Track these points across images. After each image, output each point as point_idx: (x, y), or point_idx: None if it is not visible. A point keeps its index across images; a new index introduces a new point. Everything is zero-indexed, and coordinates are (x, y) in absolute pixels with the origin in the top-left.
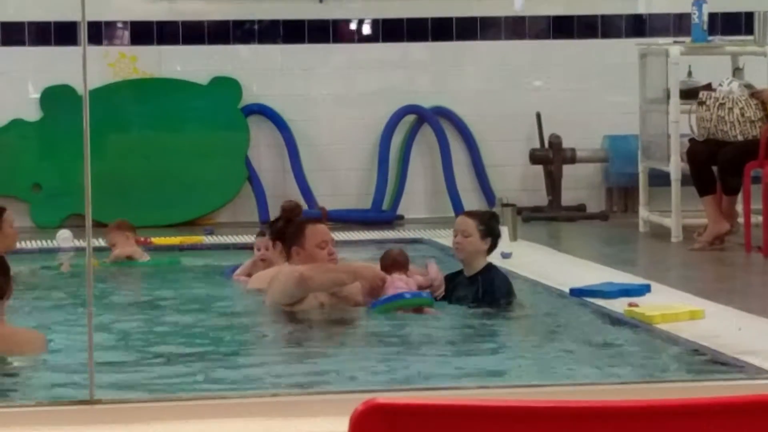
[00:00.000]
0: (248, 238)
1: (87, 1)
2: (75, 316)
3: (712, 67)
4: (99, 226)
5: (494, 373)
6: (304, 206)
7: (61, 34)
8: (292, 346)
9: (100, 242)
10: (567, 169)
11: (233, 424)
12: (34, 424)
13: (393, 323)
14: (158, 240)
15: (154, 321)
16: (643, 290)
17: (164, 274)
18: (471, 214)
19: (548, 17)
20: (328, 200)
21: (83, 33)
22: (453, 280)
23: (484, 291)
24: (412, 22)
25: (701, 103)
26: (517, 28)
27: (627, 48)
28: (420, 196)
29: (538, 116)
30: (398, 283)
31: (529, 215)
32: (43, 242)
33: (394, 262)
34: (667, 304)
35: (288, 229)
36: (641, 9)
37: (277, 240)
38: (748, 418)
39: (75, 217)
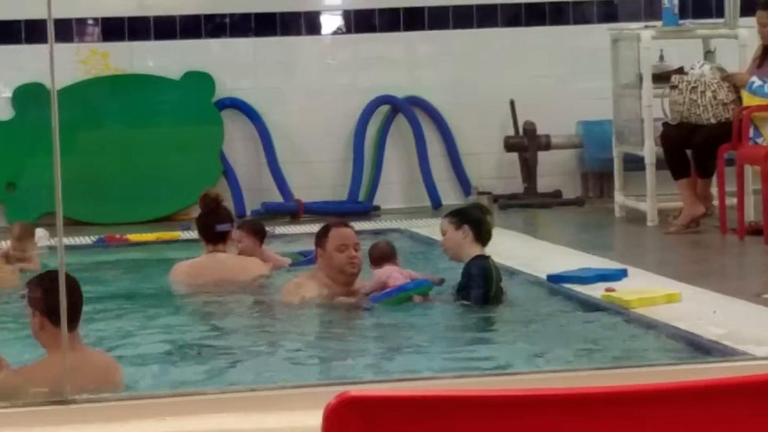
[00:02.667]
0: None
1: None
2: None
3: (683, 50)
4: (75, 224)
5: (472, 363)
6: (280, 199)
7: (33, 32)
8: (270, 340)
9: (75, 240)
10: (542, 156)
11: (210, 420)
12: (7, 425)
13: (374, 317)
14: (134, 236)
15: (125, 319)
16: (620, 275)
17: (138, 269)
18: (447, 215)
19: (520, 4)
20: (304, 192)
21: (50, 30)
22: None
23: (463, 282)
24: (384, 12)
25: (674, 87)
26: (488, 15)
27: (599, 33)
28: (396, 187)
29: (512, 103)
30: (395, 275)
31: (505, 202)
32: None
33: (383, 254)
34: (643, 288)
35: (204, 220)
36: None
37: (205, 233)
38: (726, 400)
39: (50, 215)
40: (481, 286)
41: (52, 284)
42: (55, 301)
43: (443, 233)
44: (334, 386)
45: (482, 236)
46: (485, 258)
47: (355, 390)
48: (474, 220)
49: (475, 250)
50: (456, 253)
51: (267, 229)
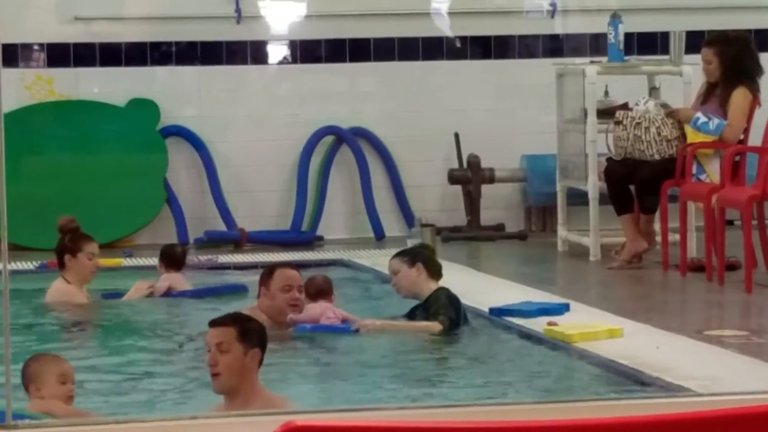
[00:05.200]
0: None
1: (2, 24)
2: None
3: (628, 86)
4: (17, 249)
5: (415, 394)
6: (223, 228)
7: None
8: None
9: (18, 265)
10: (486, 189)
11: None
12: None
13: (320, 347)
14: None
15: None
16: (562, 309)
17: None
18: (394, 255)
19: (465, 37)
20: (247, 221)
21: None
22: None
23: (433, 309)
24: (329, 43)
25: (618, 123)
26: (434, 48)
27: (544, 68)
28: (339, 217)
29: (457, 136)
30: (329, 313)
31: (448, 235)
32: None
33: (319, 290)
34: (585, 323)
35: (64, 243)
36: (558, 29)
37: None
38: None
39: None
40: (453, 312)
41: (262, 328)
42: (265, 344)
43: (395, 272)
44: (278, 416)
45: (436, 272)
46: (446, 289)
47: (300, 419)
48: (426, 258)
49: (432, 284)
50: (412, 290)
51: (209, 257)
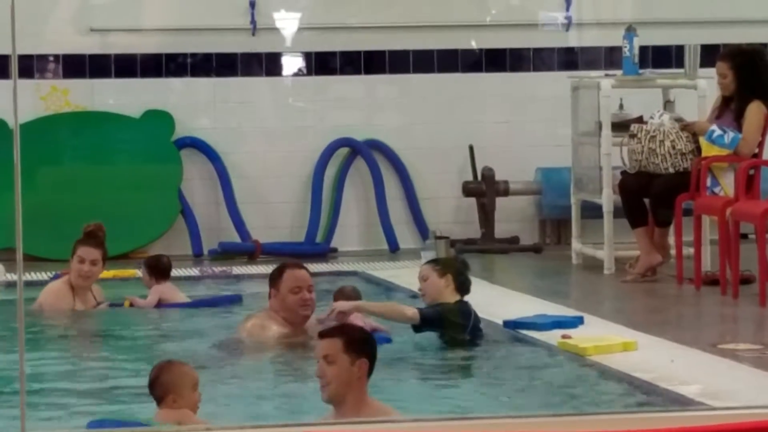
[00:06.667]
0: (182, 271)
1: (18, 35)
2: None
3: (643, 100)
4: (32, 259)
5: (427, 407)
6: (237, 239)
7: None
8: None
9: (33, 276)
10: (500, 202)
11: None
12: None
13: None
14: None
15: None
16: (576, 322)
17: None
18: (428, 261)
19: (481, 50)
20: (261, 233)
21: (14, 67)
22: None
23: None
24: (344, 55)
25: (632, 136)
26: (449, 60)
27: (559, 81)
28: (353, 229)
29: (471, 149)
30: (358, 321)
31: (462, 247)
32: None
33: (348, 299)
34: (599, 336)
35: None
36: (573, 42)
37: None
38: None
39: (8, 251)
40: (460, 319)
41: (372, 338)
42: (374, 355)
43: (424, 279)
44: (296, 427)
45: (463, 288)
46: (467, 303)
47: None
48: (457, 272)
49: (456, 298)
50: (436, 299)
51: (224, 269)
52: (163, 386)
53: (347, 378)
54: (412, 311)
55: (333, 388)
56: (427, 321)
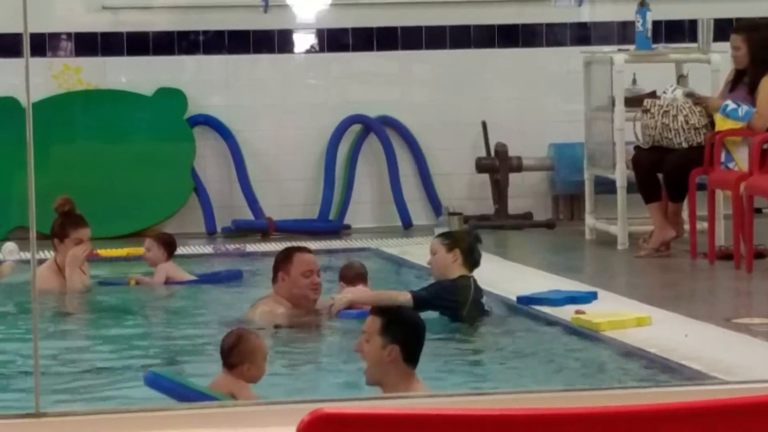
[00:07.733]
0: (195, 249)
1: (30, 13)
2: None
3: (656, 74)
4: (44, 238)
5: (443, 382)
6: (251, 216)
7: (5, 45)
8: None
9: (46, 254)
10: (513, 178)
11: None
12: None
13: (345, 333)
14: (104, 252)
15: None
16: (590, 297)
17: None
18: (439, 235)
19: (493, 26)
20: (274, 210)
21: (26, 45)
22: None
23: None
24: (357, 31)
25: (646, 111)
26: (461, 36)
27: (572, 56)
28: (367, 206)
29: (484, 125)
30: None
31: (475, 224)
32: None
33: (357, 275)
34: (613, 312)
35: (57, 222)
36: (585, 17)
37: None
38: (696, 424)
39: (20, 229)
40: (449, 296)
41: (415, 323)
42: (414, 340)
43: (433, 253)
44: (307, 403)
45: (470, 263)
46: (467, 277)
47: (329, 407)
48: (466, 247)
49: (462, 273)
50: (443, 274)
51: (237, 246)
52: (241, 354)
53: (378, 359)
54: (404, 296)
55: (368, 367)
56: (422, 303)
